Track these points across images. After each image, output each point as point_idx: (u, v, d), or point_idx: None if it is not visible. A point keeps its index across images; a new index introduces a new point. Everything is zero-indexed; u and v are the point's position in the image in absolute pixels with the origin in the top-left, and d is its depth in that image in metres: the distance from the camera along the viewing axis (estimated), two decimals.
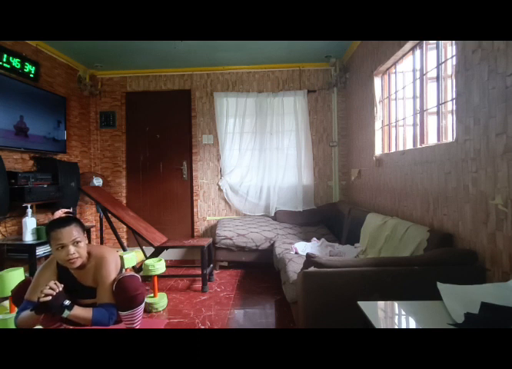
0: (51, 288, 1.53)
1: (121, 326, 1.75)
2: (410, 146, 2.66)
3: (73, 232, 1.65)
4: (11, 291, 1.83)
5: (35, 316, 1.56)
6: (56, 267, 1.75)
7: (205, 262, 3.13)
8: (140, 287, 1.71)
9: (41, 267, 1.77)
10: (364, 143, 3.54)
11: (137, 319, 1.73)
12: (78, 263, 1.67)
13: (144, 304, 1.75)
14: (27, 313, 1.58)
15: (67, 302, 1.57)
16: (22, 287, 1.77)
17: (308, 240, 3.31)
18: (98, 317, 1.60)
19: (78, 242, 1.66)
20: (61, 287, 1.57)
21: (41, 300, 1.50)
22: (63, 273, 1.74)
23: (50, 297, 1.51)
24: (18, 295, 1.75)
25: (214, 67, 4.33)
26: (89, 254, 1.74)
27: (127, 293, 1.65)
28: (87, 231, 3.65)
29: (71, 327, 1.74)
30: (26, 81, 3.21)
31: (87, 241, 1.75)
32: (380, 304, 1.29)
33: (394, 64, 2.88)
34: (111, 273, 1.71)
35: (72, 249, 1.63)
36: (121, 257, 2.62)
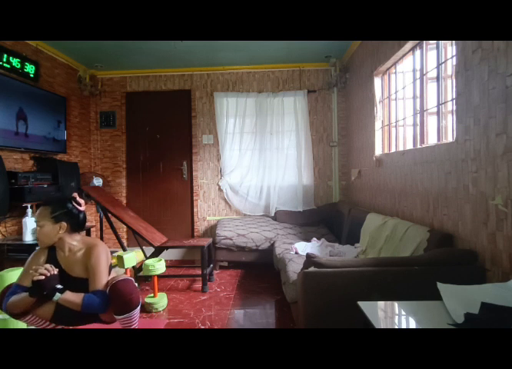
0: (46, 269, 1.55)
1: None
2: (410, 146, 2.66)
3: (39, 214, 1.69)
4: None
5: (28, 299, 1.56)
6: (48, 252, 1.75)
7: (205, 262, 3.13)
8: (134, 290, 1.68)
9: (34, 252, 1.77)
10: (364, 143, 3.54)
11: (134, 322, 1.71)
12: (40, 243, 1.72)
13: (139, 306, 1.72)
14: (19, 296, 1.58)
15: (59, 286, 1.57)
16: (7, 289, 1.74)
17: (308, 240, 3.31)
18: (89, 302, 1.57)
19: (38, 225, 1.68)
20: (55, 270, 1.59)
21: (35, 278, 1.51)
22: (50, 258, 1.73)
23: (43, 277, 1.52)
24: (3, 298, 1.70)
25: (214, 67, 4.33)
26: (80, 242, 1.74)
27: (121, 297, 1.61)
28: (87, 231, 3.65)
29: (71, 327, 1.75)
30: (26, 81, 3.21)
31: (58, 230, 1.68)
32: (380, 304, 1.29)
33: (394, 64, 2.88)
34: (102, 261, 1.68)
35: (37, 229, 1.69)
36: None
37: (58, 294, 1.55)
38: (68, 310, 1.60)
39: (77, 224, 1.75)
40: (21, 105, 3.10)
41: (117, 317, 1.66)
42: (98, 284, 1.63)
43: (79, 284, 1.67)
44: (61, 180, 3.38)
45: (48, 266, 1.58)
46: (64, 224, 1.69)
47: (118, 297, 1.61)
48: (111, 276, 1.77)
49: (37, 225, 1.69)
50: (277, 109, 4.29)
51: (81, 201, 1.80)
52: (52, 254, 1.74)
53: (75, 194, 1.82)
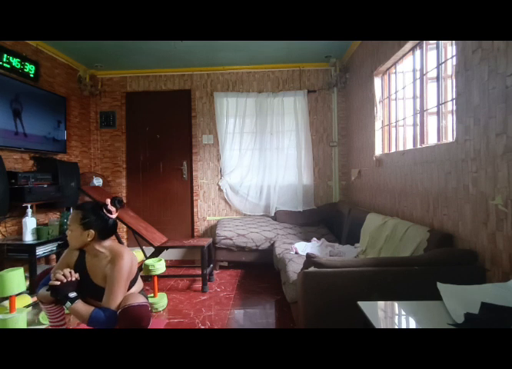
0: (64, 275, 1.57)
1: None
2: (410, 146, 2.66)
3: (71, 218, 1.72)
4: (35, 278, 1.82)
5: (50, 296, 1.60)
6: (80, 252, 1.76)
7: (205, 262, 3.13)
8: (146, 318, 1.62)
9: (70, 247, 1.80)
10: (364, 143, 3.54)
11: None
12: (70, 245, 1.74)
13: None
14: (46, 291, 1.64)
15: (72, 294, 1.58)
16: (45, 273, 1.80)
17: (308, 240, 3.31)
18: (95, 319, 1.56)
19: (69, 229, 1.70)
20: (74, 277, 1.61)
21: (50, 283, 1.55)
22: (80, 259, 1.73)
23: (59, 283, 1.55)
24: (39, 282, 1.78)
25: (214, 67, 4.33)
26: (108, 250, 1.72)
27: (130, 323, 1.57)
28: None
29: (71, 327, 1.75)
30: (26, 81, 3.21)
31: (87, 237, 1.68)
32: (380, 304, 1.29)
33: (394, 64, 2.88)
34: (122, 276, 1.63)
35: (68, 232, 1.73)
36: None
37: (68, 303, 1.55)
38: None
39: (105, 231, 1.73)
40: (19, 104, 3.10)
41: None
42: (110, 302, 1.59)
43: (99, 292, 1.65)
44: (61, 180, 3.38)
45: (66, 271, 1.59)
46: (92, 232, 1.68)
47: (127, 322, 1.57)
48: (132, 290, 1.73)
49: (68, 228, 1.71)
50: (277, 109, 4.29)
51: (112, 209, 1.79)
52: (82, 256, 1.74)
53: (107, 201, 1.80)
